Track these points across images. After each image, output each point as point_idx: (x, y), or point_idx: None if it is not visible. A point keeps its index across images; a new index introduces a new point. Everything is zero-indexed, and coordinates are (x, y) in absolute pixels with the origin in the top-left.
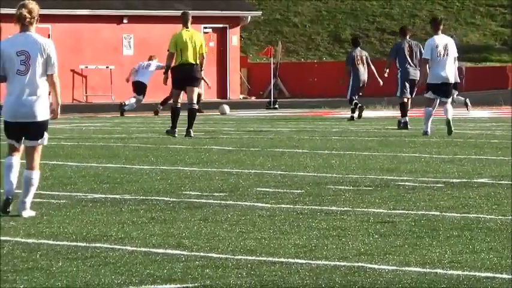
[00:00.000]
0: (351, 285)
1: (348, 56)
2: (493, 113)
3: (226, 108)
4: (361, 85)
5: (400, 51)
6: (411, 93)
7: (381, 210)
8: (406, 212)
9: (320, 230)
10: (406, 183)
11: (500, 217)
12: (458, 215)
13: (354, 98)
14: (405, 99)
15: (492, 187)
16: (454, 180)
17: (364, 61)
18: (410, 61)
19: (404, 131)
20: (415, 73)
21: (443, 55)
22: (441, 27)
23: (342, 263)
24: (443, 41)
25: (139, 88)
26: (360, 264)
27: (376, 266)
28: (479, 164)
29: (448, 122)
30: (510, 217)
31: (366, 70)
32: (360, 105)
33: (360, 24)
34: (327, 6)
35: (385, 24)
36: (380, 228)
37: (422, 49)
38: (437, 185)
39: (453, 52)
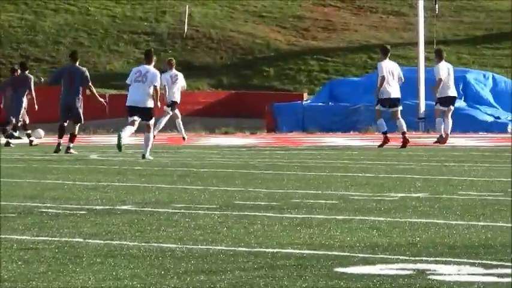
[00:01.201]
0: None
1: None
2: (135, 139)
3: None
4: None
5: (64, 75)
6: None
7: (25, 237)
8: (50, 238)
9: None
10: (50, 210)
11: (143, 244)
12: (102, 241)
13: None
14: (64, 123)
15: (135, 214)
16: (98, 207)
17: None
18: (69, 87)
19: (48, 157)
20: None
21: (140, 81)
22: (154, 58)
23: None
24: (144, 69)
25: None
26: None
27: None
28: (122, 191)
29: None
30: (154, 244)
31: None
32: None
33: (4, 51)
34: None
35: (29, 51)
36: (24, 255)
37: (87, 75)
38: (81, 212)
39: (152, 81)
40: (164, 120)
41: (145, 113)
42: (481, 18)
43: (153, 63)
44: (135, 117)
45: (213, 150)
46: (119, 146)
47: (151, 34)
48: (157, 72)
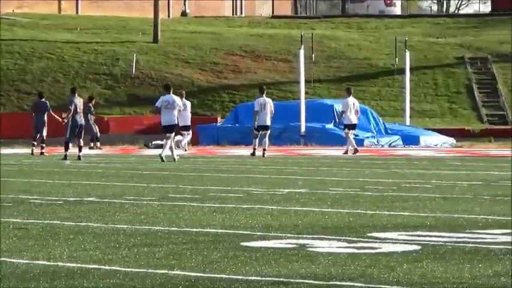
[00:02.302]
0: None
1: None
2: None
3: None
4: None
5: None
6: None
7: (18, 220)
8: (36, 221)
9: None
10: (36, 201)
11: (103, 225)
12: (74, 223)
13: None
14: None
15: (97, 204)
16: (70, 198)
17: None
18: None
19: (35, 163)
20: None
21: (169, 108)
22: (171, 88)
23: None
24: (171, 98)
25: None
26: None
27: None
28: (88, 187)
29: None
30: (111, 225)
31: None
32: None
33: (2, 86)
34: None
35: (21, 87)
36: (17, 232)
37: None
38: (58, 202)
39: (176, 107)
40: (185, 140)
41: (173, 128)
42: (345, 64)
43: (172, 92)
44: (170, 134)
45: (153, 158)
46: (162, 159)
47: (109, 75)
48: (178, 99)
